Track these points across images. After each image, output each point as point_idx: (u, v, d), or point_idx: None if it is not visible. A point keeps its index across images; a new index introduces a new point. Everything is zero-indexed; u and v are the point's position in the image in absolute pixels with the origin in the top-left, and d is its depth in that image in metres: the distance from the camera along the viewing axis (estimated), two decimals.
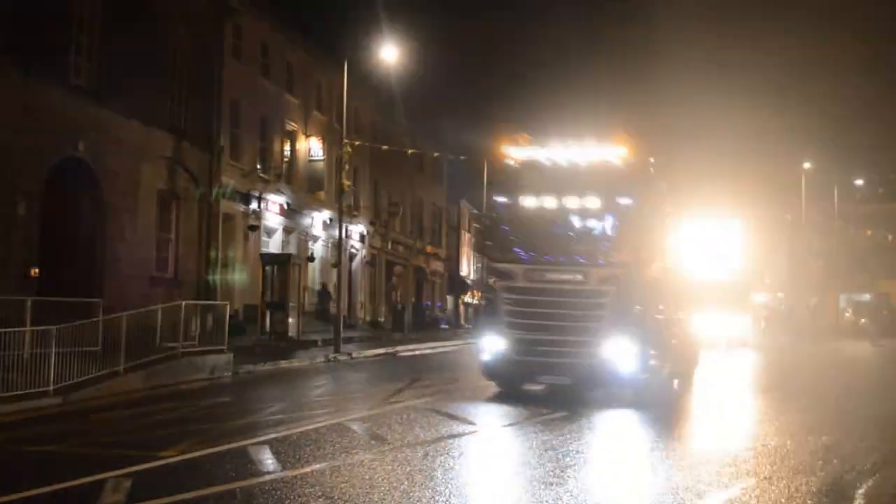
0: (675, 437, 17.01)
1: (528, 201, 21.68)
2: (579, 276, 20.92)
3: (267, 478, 12.11)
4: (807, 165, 74.76)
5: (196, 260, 37.40)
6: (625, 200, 20.91)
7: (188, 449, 14.15)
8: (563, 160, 21.55)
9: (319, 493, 11.28)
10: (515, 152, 22.11)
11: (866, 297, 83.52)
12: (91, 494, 11.13)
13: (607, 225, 21.39)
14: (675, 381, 23.80)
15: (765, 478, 12.26)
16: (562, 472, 12.97)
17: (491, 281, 22.45)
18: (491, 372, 21.94)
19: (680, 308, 24.79)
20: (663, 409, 20.57)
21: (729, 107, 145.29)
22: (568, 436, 15.96)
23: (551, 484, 11.98)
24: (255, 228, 45.89)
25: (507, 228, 22.25)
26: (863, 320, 64.55)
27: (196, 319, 28.07)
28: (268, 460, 13.36)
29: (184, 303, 27.73)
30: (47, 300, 24.50)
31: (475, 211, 21.51)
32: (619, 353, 20.12)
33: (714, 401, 23.60)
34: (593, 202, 21.10)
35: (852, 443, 15.34)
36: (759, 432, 16.86)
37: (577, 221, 21.62)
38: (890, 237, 76.09)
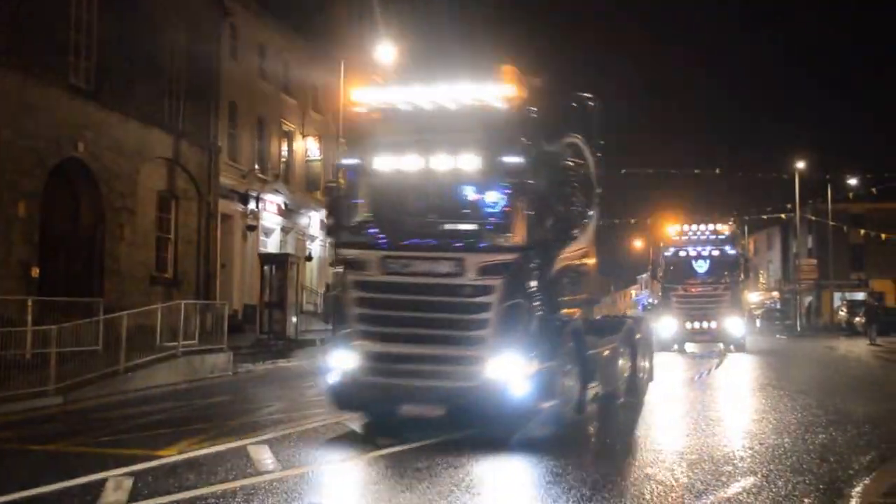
0: (669, 437, 16.99)
1: (385, 163, 15.79)
2: (454, 266, 14.96)
3: (267, 477, 12.10)
4: (800, 165, 74.74)
5: (195, 260, 37.44)
6: (516, 160, 15.03)
7: (188, 448, 14.20)
8: (429, 104, 15.71)
9: (319, 493, 11.28)
10: (368, 97, 16.24)
11: (861, 296, 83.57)
12: (92, 493, 11.14)
13: (493, 195, 15.29)
14: (620, 401, 19.79)
15: (763, 476, 12.26)
16: (564, 469, 13.00)
17: (338, 273, 16.67)
18: (340, 399, 15.91)
19: (619, 307, 22.76)
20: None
21: (720, 105, 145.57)
22: (564, 438, 15.84)
23: (550, 482, 12.00)
24: (253, 228, 46.04)
25: (358, 202, 16.31)
26: (857, 319, 64.51)
27: (195, 319, 28.10)
28: (267, 460, 13.35)
29: (183, 302, 27.78)
30: (48, 300, 24.60)
31: (330, 182, 16.79)
32: (510, 371, 14.52)
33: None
34: (472, 162, 15.17)
35: (849, 441, 15.31)
36: (757, 430, 16.81)
37: (450, 190, 15.66)
38: (884, 236, 75.91)
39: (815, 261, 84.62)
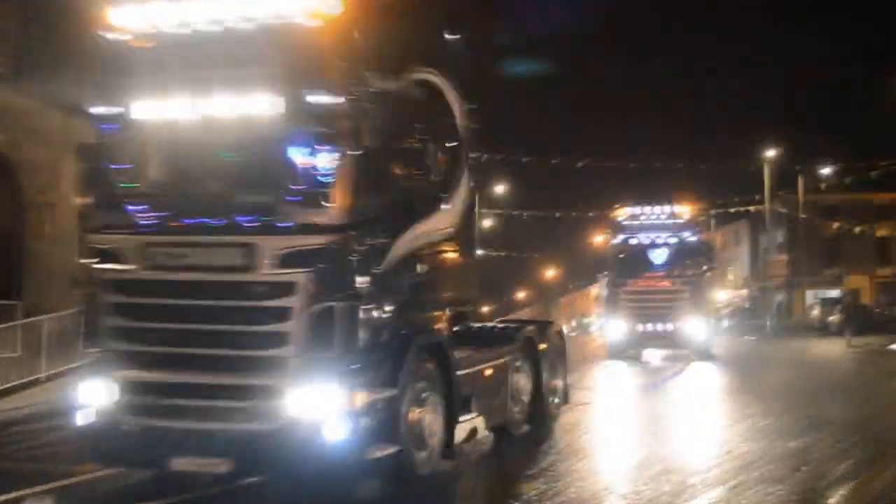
0: (629, 448, 16.90)
1: (152, 112, 11.90)
2: (241, 255, 11.34)
3: (197, 493, 11.95)
4: (770, 153, 74.38)
5: None
6: (331, 99, 11.19)
7: None
8: (211, 25, 11.65)
9: None
10: (127, 19, 12.11)
11: (835, 293, 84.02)
12: None
13: (300, 151, 11.26)
14: (519, 432, 16.41)
15: (732, 487, 12.25)
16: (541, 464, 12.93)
17: (89, 267, 12.15)
18: (93, 449, 12.19)
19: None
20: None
21: (686, 92, 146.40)
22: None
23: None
24: None
25: (113, 166, 12.26)
26: (830, 318, 64.83)
27: None
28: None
29: None
30: None
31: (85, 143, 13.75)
32: (323, 407, 10.89)
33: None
34: (269, 105, 11.34)
35: (824, 448, 15.30)
36: (726, 438, 16.81)
37: (240, 146, 11.73)
38: (858, 229, 76.38)
39: (785, 257, 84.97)
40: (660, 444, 16.40)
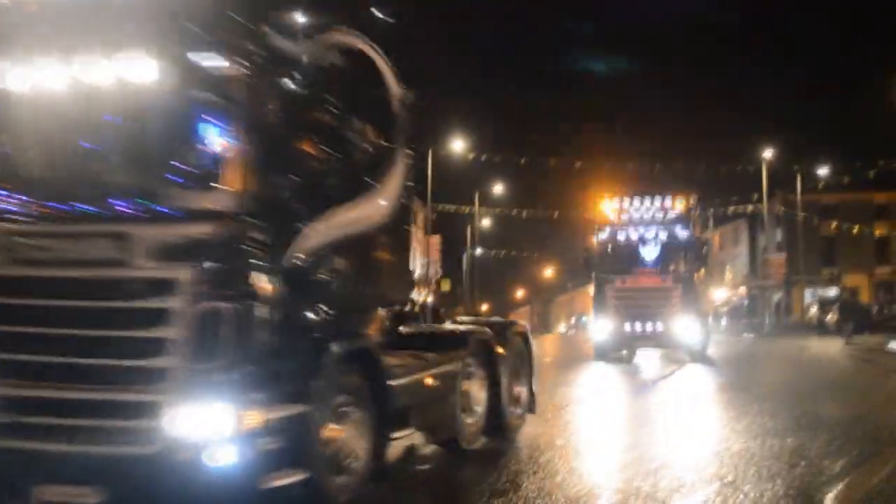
0: (625, 446, 16.82)
1: (14, 79, 9.84)
2: (112, 247, 9.45)
3: None
4: (768, 154, 74.59)
5: None
6: (218, 62, 9.32)
7: None
8: None
9: None
10: None
11: (833, 291, 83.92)
12: None
13: (184, 122, 9.54)
14: (471, 447, 14.34)
15: (728, 483, 12.24)
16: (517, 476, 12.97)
17: None
18: None
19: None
20: None
21: (684, 93, 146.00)
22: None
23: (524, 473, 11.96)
24: None
25: None
26: (828, 317, 64.84)
27: None
28: None
29: None
30: None
31: None
32: (211, 427, 8.94)
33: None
34: (145, 69, 9.34)
35: (820, 446, 15.26)
36: (722, 436, 16.81)
37: (116, 120, 9.88)
38: (857, 228, 76.28)
39: (783, 256, 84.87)
40: (655, 441, 16.38)
